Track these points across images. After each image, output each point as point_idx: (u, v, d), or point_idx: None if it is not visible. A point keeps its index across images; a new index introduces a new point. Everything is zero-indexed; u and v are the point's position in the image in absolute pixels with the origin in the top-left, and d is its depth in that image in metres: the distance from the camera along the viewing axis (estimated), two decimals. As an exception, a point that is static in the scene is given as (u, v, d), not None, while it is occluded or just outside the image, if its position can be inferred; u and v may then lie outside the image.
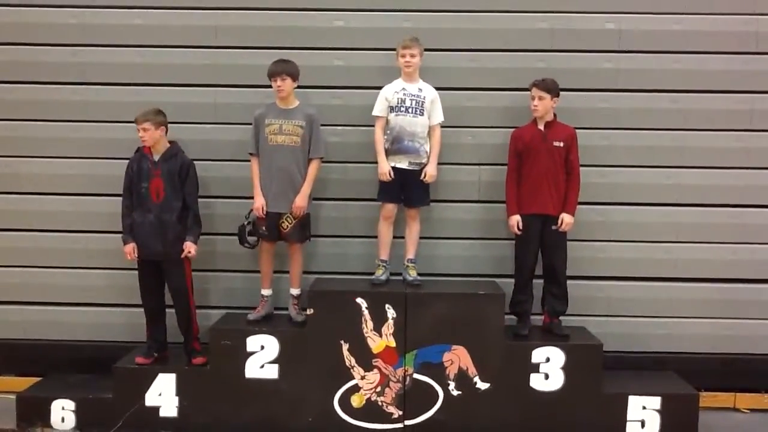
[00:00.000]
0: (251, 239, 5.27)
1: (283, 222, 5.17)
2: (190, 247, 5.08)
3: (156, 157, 5.08)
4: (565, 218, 5.18)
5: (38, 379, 5.46)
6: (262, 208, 5.13)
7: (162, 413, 5.03)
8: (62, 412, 5.03)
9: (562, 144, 5.16)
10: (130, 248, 5.04)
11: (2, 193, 5.67)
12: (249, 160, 5.24)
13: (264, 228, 5.17)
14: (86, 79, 5.60)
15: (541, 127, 5.20)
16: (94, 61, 5.59)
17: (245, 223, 5.26)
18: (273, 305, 5.37)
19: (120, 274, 5.53)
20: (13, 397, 5.17)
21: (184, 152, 5.20)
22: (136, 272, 5.18)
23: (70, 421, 5.04)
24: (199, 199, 5.23)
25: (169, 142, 5.16)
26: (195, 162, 5.23)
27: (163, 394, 5.04)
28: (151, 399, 5.04)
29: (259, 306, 5.28)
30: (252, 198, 5.21)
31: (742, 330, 5.59)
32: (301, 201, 5.13)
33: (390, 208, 5.28)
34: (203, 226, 5.23)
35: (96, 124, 5.61)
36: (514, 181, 5.24)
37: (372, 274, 5.32)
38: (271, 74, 5.12)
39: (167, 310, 5.25)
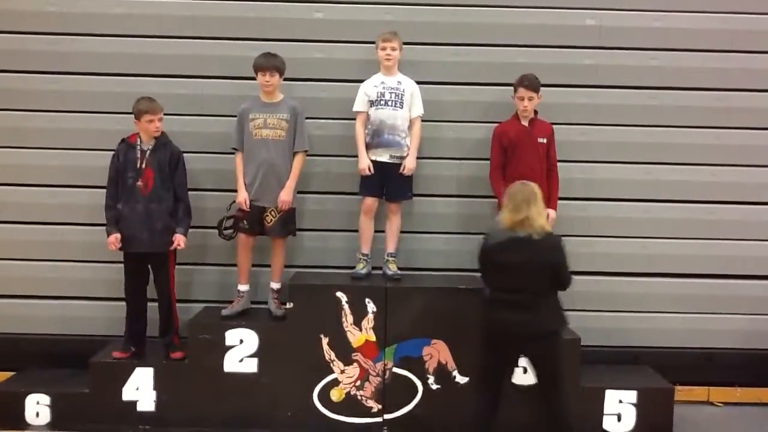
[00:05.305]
0: (227, 232, 5.22)
1: (267, 216, 5.13)
2: (180, 240, 5.02)
3: (145, 147, 5.00)
4: (551, 214, 5.18)
5: (12, 373, 5.38)
6: (245, 202, 5.09)
7: (140, 408, 4.98)
8: (37, 406, 4.96)
9: (545, 140, 5.19)
10: (114, 239, 4.95)
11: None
12: (233, 153, 5.20)
13: (245, 222, 5.13)
14: (67, 69, 5.51)
15: (525, 123, 5.21)
16: (75, 50, 5.50)
17: (225, 216, 5.22)
18: (249, 301, 5.30)
19: (98, 267, 5.46)
20: (-14, 391, 5.11)
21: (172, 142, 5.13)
22: (115, 265, 5.13)
23: (45, 416, 4.97)
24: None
25: None
26: None
27: (140, 389, 4.99)
28: (128, 393, 4.99)
29: (235, 301, 5.22)
30: (236, 191, 5.16)
31: (716, 325, 5.66)
32: (285, 195, 5.10)
33: (370, 203, 5.26)
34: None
35: (77, 115, 5.52)
36: (500, 177, 5.19)
37: (353, 268, 5.30)
38: (260, 68, 5.06)
39: (148, 304, 5.17)
